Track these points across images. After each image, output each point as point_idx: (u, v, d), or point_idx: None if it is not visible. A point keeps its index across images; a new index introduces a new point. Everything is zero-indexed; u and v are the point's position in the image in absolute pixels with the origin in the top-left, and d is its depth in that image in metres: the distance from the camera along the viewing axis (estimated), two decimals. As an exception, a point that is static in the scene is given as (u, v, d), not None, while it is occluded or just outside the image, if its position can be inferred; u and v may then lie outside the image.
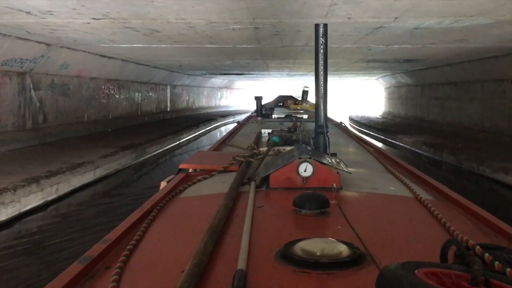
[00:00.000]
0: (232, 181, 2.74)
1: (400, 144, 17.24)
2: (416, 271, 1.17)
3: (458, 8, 6.65)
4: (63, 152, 10.51)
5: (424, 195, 2.70)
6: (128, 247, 1.81)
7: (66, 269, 1.58)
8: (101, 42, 10.86)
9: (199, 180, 3.10)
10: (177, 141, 16.77)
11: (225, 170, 3.30)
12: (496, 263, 1.39)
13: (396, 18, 7.36)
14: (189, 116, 27.32)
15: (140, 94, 21.12)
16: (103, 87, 16.64)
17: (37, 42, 10.74)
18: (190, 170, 3.48)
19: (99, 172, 9.49)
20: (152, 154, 13.40)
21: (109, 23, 7.97)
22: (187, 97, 30.44)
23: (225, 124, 28.00)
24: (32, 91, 11.76)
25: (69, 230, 6.78)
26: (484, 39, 9.90)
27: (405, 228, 2.15)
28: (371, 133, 22.08)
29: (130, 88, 19.62)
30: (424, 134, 17.43)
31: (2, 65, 10.32)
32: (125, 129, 17.25)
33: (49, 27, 8.53)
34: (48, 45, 11.18)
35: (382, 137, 20.00)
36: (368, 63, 17.14)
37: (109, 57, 14.98)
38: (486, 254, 1.45)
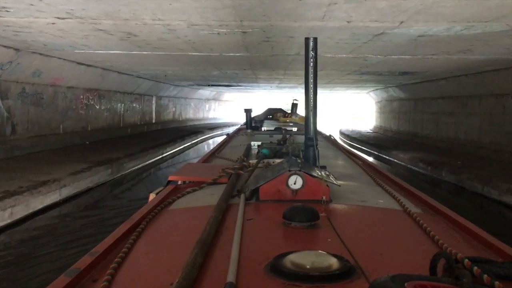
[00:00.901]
0: (222, 194, 2.71)
1: (395, 160, 16.43)
2: (406, 284, 1.19)
3: (474, 11, 5.83)
4: (30, 167, 9.49)
5: (413, 208, 2.70)
6: (116, 259, 1.79)
7: (52, 282, 1.54)
8: (75, 48, 9.91)
9: (188, 192, 3.07)
10: (160, 155, 15.75)
11: (215, 182, 3.29)
12: (485, 276, 1.41)
13: (401, 22, 6.53)
14: (175, 129, 26.36)
15: (123, 105, 20.13)
16: (81, 97, 15.64)
17: (4, 46, 9.77)
18: (179, 182, 3.46)
19: (66, 192, 8.47)
20: (130, 170, 12.36)
21: (77, 23, 7.03)
22: (174, 109, 29.50)
23: (212, 137, 27.10)
24: (-1, 100, 10.75)
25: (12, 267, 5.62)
26: (490, 50, 9.14)
27: (394, 241, 2.14)
28: (363, 148, 21.29)
29: (112, 98, 18.64)
30: (419, 150, 16.66)
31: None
32: (105, 141, 16.23)
33: (10, 28, 7.57)
34: (16, 50, 10.20)
35: (375, 152, 19.20)
36: (361, 75, 16.39)
37: (88, 65, 14.02)
38: (475, 267, 1.47)
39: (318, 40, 3.47)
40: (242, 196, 2.69)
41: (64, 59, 12.33)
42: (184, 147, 19.89)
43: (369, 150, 20.29)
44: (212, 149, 6.36)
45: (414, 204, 2.89)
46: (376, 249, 1.94)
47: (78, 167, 9.82)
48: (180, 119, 30.69)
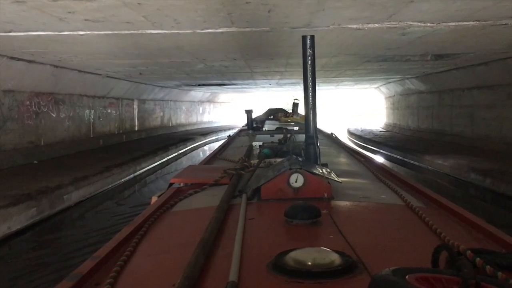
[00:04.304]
0: (223, 194, 2.71)
1: (430, 167, 12.96)
2: (407, 277, 1.19)
3: None
4: None
5: (415, 202, 2.70)
6: (118, 263, 1.79)
7: (55, 287, 1.52)
8: None
9: (190, 194, 3.07)
10: (130, 175, 12.18)
11: (216, 184, 3.26)
12: (488, 267, 1.41)
13: None
14: (162, 136, 22.96)
15: (92, 111, 16.72)
16: (28, 103, 12.22)
17: None
18: (181, 184, 3.44)
19: None
20: (69, 204, 8.57)
21: None
22: (162, 113, 26.15)
23: (205, 144, 23.66)
24: None
25: None
26: None
27: (396, 236, 2.14)
28: (381, 151, 17.85)
29: (75, 104, 15.21)
30: (457, 153, 13.21)
31: None
32: (62, 158, 12.81)
33: None
34: None
35: (399, 157, 15.73)
36: (382, 63, 12.97)
37: (28, 61, 10.63)
38: (478, 259, 1.48)
39: None
40: (244, 196, 2.68)
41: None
42: (167, 159, 16.39)
43: (390, 154, 16.83)
44: (213, 151, 6.23)
45: (417, 199, 2.88)
46: (378, 244, 1.94)
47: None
48: (170, 125, 27.34)
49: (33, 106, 12.51)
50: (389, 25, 6.97)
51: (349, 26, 7.03)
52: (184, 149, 19.77)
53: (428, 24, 7.01)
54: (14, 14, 5.75)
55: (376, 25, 6.95)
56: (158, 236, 2.23)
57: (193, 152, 20.51)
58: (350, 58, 11.78)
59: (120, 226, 2.88)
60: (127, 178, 11.78)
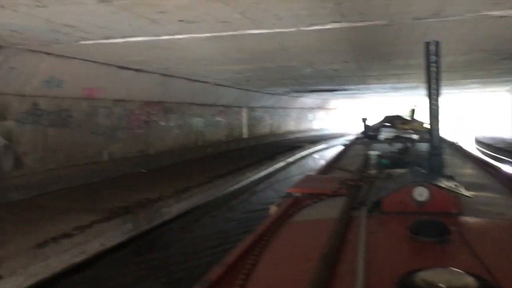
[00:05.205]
0: (342, 206, 2.66)
1: None
2: None
3: None
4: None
5: None
6: (243, 271, 1.85)
7: None
8: (105, 35, 6.36)
9: (308, 205, 3.03)
10: (233, 186, 11.63)
11: (334, 194, 3.15)
12: None
13: None
14: (271, 144, 22.49)
15: (202, 119, 16.72)
16: (137, 112, 12.35)
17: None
18: (299, 194, 3.35)
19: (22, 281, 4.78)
20: (167, 218, 7.99)
21: None
22: (271, 121, 25.82)
23: (314, 153, 22.68)
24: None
25: None
26: None
27: None
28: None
29: (185, 112, 15.25)
30: None
31: None
32: (169, 168, 12.75)
33: None
34: (-1, 47, 6.97)
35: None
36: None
37: (135, 70, 10.63)
38: None
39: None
40: (364, 208, 2.59)
41: (91, 61, 8.99)
42: (274, 169, 15.69)
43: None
44: (330, 160, 6.00)
45: None
46: None
47: (75, 222, 6.17)
48: (279, 132, 26.90)
49: (143, 115, 12.62)
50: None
51: (490, 13, 5.65)
52: (293, 158, 19.00)
53: None
54: (106, 18, 5.38)
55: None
56: (280, 247, 2.25)
57: (302, 161, 19.67)
58: (483, 56, 10.06)
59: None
60: (230, 189, 11.25)
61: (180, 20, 5.66)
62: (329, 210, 2.74)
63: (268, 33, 6.59)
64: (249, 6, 5.12)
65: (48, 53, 7.90)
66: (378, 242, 2.10)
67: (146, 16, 5.38)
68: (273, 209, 3.16)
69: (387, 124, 11.02)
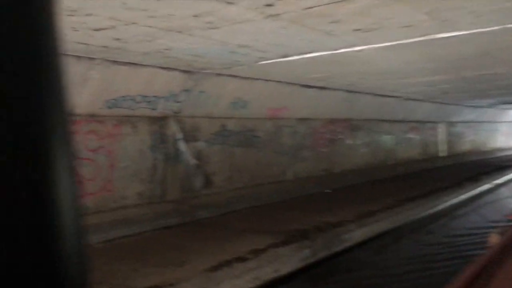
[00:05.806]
0: None
1: None
2: None
3: None
4: (160, 250, 6.28)
5: None
6: None
7: None
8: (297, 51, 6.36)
9: None
10: (428, 210, 10.33)
11: None
12: None
13: None
14: (474, 162, 19.98)
15: (391, 136, 15.68)
16: (321, 130, 12.08)
17: (175, 70, 7.11)
18: None
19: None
20: (349, 245, 7.39)
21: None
22: (473, 137, 23.05)
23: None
24: (181, 143, 8.13)
25: None
26: None
27: None
28: None
29: (372, 129, 14.46)
30: None
31: (111, 107, 6.96)
32: (356, 187, 12.12)
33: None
34: (187, 72, 7.41)
35: None
36: None
37: (319, 88, 10.39)
38: None
39: None
40: None
41: (273, 81, 9.04)
42: (478, 192, 13.65)
43: None
44: None
45: None
46: None
47: (250, 245, 6.06)
48: (483, 150, 23.86)
49: (327, 133, 12.31)
50: None
51: None
52: (502, 180, 16.38)
53: None
54: (277, 34, 5.16)
55: None
56: (508, 281, 2.09)
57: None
58: None
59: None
60: (422, 215, 10.04)
61: (356, 30, 5.11)
62: None
63: (463, 35, 5.55)
64: (437, 4, 4.29)
65: (232, 75, 8.16)
66: None
67: (318, 28, 4.98)
68: (494, 237, 2.98)
69: None
